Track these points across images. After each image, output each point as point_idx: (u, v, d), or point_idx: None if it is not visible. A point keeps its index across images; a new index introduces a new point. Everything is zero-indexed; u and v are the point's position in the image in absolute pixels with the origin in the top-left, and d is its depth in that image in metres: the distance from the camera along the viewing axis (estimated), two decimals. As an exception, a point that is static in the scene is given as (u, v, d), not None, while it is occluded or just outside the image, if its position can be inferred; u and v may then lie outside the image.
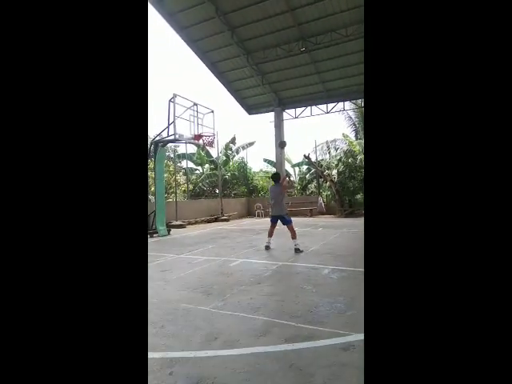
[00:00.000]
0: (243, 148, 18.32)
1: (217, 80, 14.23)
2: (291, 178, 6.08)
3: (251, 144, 18.24)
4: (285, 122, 15.40)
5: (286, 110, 15.26)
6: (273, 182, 5.99)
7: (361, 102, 14.53)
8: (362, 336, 2.11)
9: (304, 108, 14.95)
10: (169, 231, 8.69)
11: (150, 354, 1.94)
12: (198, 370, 1.76)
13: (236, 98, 15.34)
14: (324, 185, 15.48)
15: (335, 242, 6.42)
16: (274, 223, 5.69)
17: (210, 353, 1.96)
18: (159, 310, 2.73)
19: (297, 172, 20.04)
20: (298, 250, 5.27)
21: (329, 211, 14.10)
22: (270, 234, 5.73)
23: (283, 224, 5.55)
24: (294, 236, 5.45)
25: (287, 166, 17.83)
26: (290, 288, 3.31)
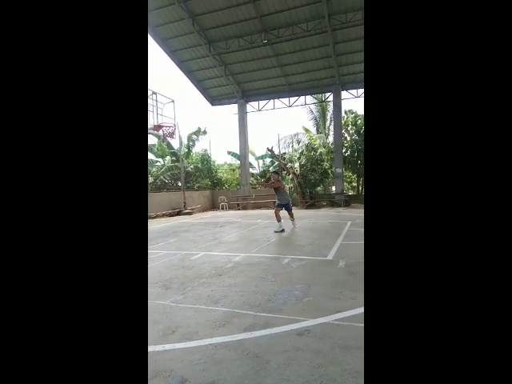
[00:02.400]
0: (198, 133, 17.77)
1: (178, 69, 13.78)
2: (277, 177, 7.03)
3: (205, 133, 17.82)
4: (248, 114, 15.39)
5: (250, 103, 15.25)
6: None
7: (322, 96, 14.93)
8: (316, 321, 2.21)
9: (267, 101, 15.05)
10: (128, 226, 8.35)
11: (103, 352, 1.88)
12: (153, 364, 1.73)
13: (198, 89, 15.01)
14: (287, 177, 15.80)
15: (296, 232, 6.60)
16: (278, 208, 6.94)
17: (167, 346, 1.94)
18: (115, 307, 2.64)
19: (260, 164, 20.21)
20: (282, 231, 6.56)
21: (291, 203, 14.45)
22: (279, 219, 6.77)
23: (286, 210, 6.94)
24: (292, 217, 7.07)
25: (251, 159, 17.90)
26: (250, 278, 3.36)
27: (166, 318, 2.38)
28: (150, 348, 1.92)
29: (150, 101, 8.27)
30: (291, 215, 7.10)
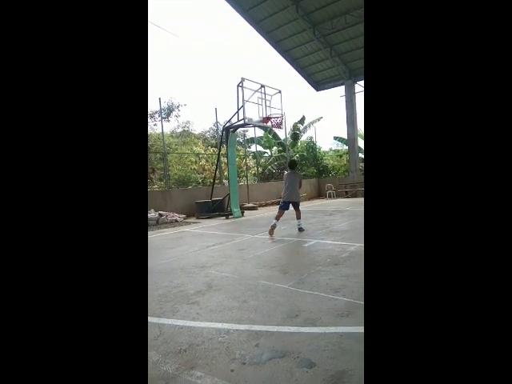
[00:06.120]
0: (309, 126, 17.71)
1: (282, 58, 13.94)
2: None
3: (319, 119, 17.51)
4: (357, 95, 14.39)
5: (358, 82, 14.20)
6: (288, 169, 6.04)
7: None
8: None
9: (378, 78, 13.69)
10: (242, 213, 9.07)
11: (236, 326, 2.08)
12: (282, 344, 1.82)
13: (302, 75, 14.86)
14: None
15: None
16: (285, 209, 5.70)
17: (293, 329, 2.00)
18: (240, 286, 2.90)
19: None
20: (301, 229, 5.73)
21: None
22: (278, 218, 5.66)
23: (295, 208, 5.79)
24: (299, 217, 5.83)
25: (361, 143, 16.77)
26: (370, 270, 3.16)
27: (287, 300, 2.47)
28: (277, 328, 2.03)
29: (258, 94, 8.63)
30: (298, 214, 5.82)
